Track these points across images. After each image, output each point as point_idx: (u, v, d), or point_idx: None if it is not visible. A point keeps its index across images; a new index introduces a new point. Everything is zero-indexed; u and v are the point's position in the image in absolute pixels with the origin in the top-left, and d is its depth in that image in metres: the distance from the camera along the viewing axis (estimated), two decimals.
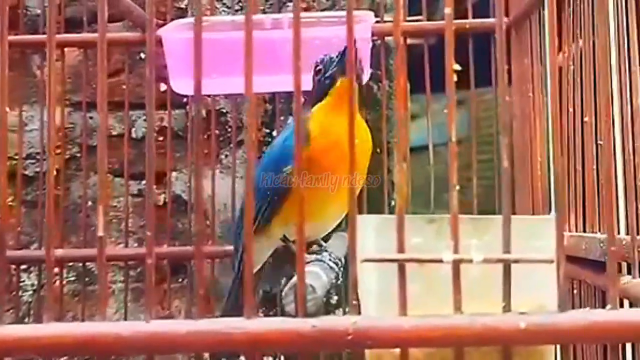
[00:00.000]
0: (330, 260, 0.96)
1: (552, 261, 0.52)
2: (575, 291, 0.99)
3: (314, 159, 0.98)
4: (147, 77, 0.57)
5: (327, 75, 1.05)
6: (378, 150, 1.45)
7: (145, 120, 1.51)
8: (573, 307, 0.98)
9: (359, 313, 0.53)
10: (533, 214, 1.23)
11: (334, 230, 1.15)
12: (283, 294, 0.63)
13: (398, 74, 0.54)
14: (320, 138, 1.01)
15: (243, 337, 0.51)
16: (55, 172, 1.53)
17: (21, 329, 0.53)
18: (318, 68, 1.07)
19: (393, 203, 1.55)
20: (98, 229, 0.55)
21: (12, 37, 1.49)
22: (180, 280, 1.57)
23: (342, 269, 0.96)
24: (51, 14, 0.57)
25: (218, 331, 0.51)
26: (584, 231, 0.98)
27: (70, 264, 1.56)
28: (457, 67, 0.54)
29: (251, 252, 0.54)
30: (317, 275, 0.67)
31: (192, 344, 0.52)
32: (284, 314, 0.59)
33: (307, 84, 1.22)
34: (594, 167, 0.94)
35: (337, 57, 1.06)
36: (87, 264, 1.52)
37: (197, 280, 0.54)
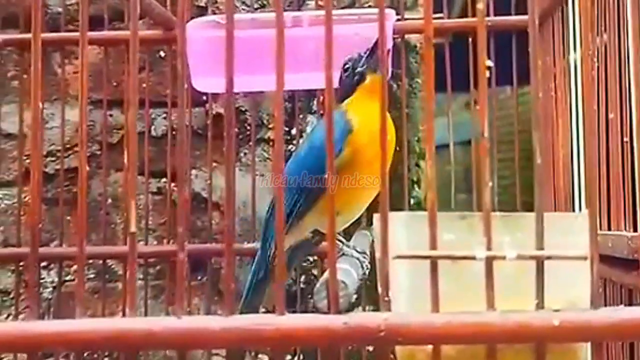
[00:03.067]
0: (357, 253, 0.96)
1: (585, 258, 0.52)
2: (600, 289, 0.98)
3: (358, 149, 0.99)
4: (179, 74, 0.57)
5: (356, 71, 1.06)
6: (397, 148, 1.45)
7: (165, 118, 1.51)
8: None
9: (390, 310, 0.53)
10: (555, 211, 1.22)
11: (353, 228, 1.15)
12: (315, 289, 0.63)
13: (427, 71, 0.54)
14: (362, 128, 1.01)
15: (275, 333, 0.51)
16: (70, 171, 1.53)
17: (55, 325, 0.53)
18: (346, 66, 1.07)
19: (413, 201, 1.55)
20: (130, 225, 0.55)
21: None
22: (199, 277, 1.57)
23: (369, 264, 0.96)
24: (84, 12, 0.57)
25: (250, 327, 0.51)
26: (609, 229, 0.98)
27: (90, 261, 1.56)
28: (490, 62, 0.54)
29: (282, 250, 0.54)
30: (347, 271, 0.67)
31: (224, 340, 0.52)
32: (315, 310, 0.59)
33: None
34: (620, 163, 0.93)
35: (365, 54, 1.06)
36: (107, 261, 1.52)
37: (226, 275, 0.54)
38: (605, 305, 0.97)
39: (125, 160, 0.57)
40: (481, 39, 0.54)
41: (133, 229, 0.55)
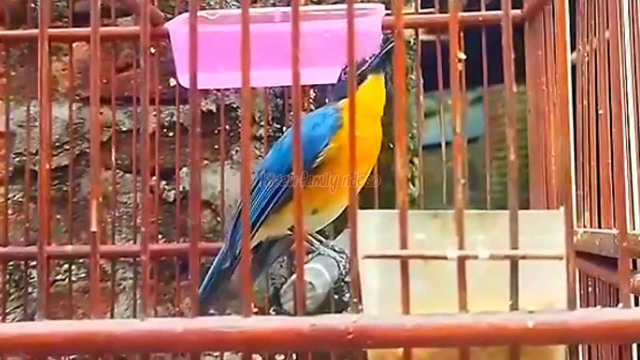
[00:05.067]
0: (334, 252, 0.94)
1: (561, 257, 0.50)
2: (590, 288, 0.96)
3: (344, 147, 0.98)
4: (142, 68, 0.55)
5: (358, 73, 1.06)
6: (391, 144, 1.43)
7: (154, 115, 1.50)
8: (587, 305, 0.96)
9: (360, 311, 0.51)
10: (547, 209, 1.20)
11: (336, 225, 1.13)
12: (281, 291, 0.61)
13: (397, 64, 0.53)
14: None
15: (240, 336, 0.50)
16: (59, 169, 1.52)
17: (10, 328, 0.51)
18: (348, 69, 1.06)
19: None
20: (91, 224, 0.54)
21: (20, 32, 1.49)
22: (190, 277, 1.55)
23: (347, 263, 0.94)
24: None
25: (214, 330, 0.50)
26: (599, 227, 0.96)
27: (80, 260, 1.54)
28: (462, 55, 0.52)
29: (248, 250, 0.52)
30: (318, 272, 0.65)
31: (187, 343, 0.50)
32: (282, 311, 0.57)
33: (318, 77, 1.20)
34: (609, 160, 0.91)
35: (370, 58, 1.08)
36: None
37: (191, 277, 0.52)
38: (595, 305, 0.95)
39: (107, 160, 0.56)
40: (453, 32, 0.52)
41: (94, 228, 0.53)
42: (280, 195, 0.99)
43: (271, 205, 0.99)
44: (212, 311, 1.09)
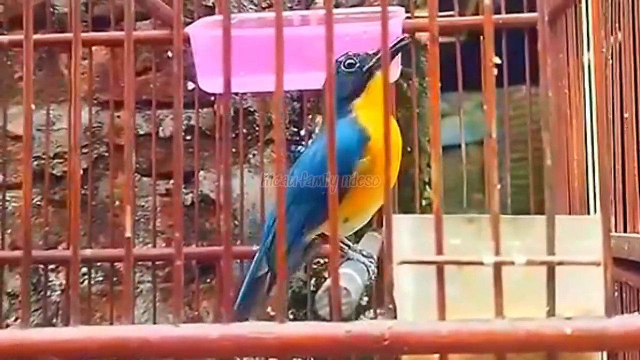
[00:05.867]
0: (363, 257, 0.93)
1: (598, 263, 0.49)
2: (616, 293, 0.95)
3: (376, 156, 0.96)
4: (174, 74, 0.55)
5: (364, 69, 1.03)
6: (409, 148, 1.43)
7: (173, 119, 1.49)
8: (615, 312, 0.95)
9: (395, 317, 0.51)
10: (570, 213, 1.20)
11: (363, 230, 1.13)
12: (317, 297, 0.61)
13: (431, 70, 0.52)
14: (378, 135, 0.98)
15: (275, 342, 0.49)
16: (81, 172, 1.52)
17: (47, 333, 0.51)
18: (349, 62, 1.04)
19: (425, 202, 1.53)
20: (126, 230, 0.54)
21: (39, 36, 1.49)
22: (208, 280, 1.55)
23: (376, 268, 0.94)
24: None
25: (250, 336, 0.49)
26: (625, 231, 0.95)
27: (99, 264, 1.55)
28: (497, 60, 0.52)
29: (284, 257, 0.52)
30: (351, 277, 0.65)
31: (222, 349, 0.50)
32: (317, 317, 0.57)
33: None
34: (635, 164, 0.91)
35: (374, 53, 1.04)
36: (115, 264, 1.51)
37: (225, 282, 0.52)
38: (622, 310, 0.95)
39: (125, 164, 0.55)
40: (488, 36, 0.52)
41: (129, 234, 0.53)
42: (317, 216, 0.97)
43: (306, 227, 0.98)
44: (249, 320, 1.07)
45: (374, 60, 1.03)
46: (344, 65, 1.04)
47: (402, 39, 1.06)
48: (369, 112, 1.01)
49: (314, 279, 1.51)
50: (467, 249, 0.52)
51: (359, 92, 1.03)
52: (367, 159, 0.98)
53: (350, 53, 1.05)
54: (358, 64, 1.03)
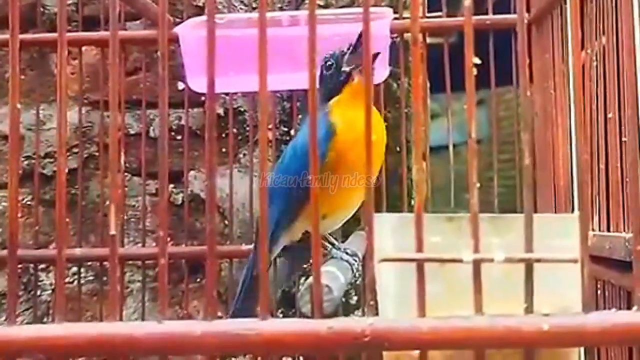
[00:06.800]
0: (347, 255, 0.94)
1: (576, 261, 0.50)
2: (599, 292, 0.97)
3: (341, 152, 0.97)
4: (160, 76, 0.56)
5: (341, 70, 1.04)
6: (397, 148, 1.44)
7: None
8: (597, 308, 0.96)
9: (377, 314, 0.51)
10: (555, 212, 1.21)
11: (351, 228, 1.14)
12: (299, 294, 0.61)
13: (415, 71, 0.53)
14: (345, 131, 0.99)
15: (257, 338, 0.50)
16: (68, 173, 1.52)
17: (33, 329, 0.52)
18: (328, 63, 1.05)
19: (413, 201, 1.53)
20: (110, 228, 0.54)
21: (30, 36, 1.49)
22: (198, 280, 1.56)
23: (360, 266, 0.95)
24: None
25: (232, 333, 0.50)
26: (608, 230, 0.96)
27: (89, 263, 1.55)
28: (477, 60, 0.53)
29: (265, 251, 0.52)
30: (334, 275, 0.66)
31: (205, 346, 0.51)
32: (300, 314, 0.58)
33: None
34: (618, 164, 0.92)
35: (348, 50, 1.04)
36: (105, 263, 1.51)
37: (208, 280, 0.53)
38: (604, 308, 0.96)
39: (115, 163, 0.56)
40: (468, 36, 0.52)
41: (113, 231, 0.54)
42: (291, 206, 0.99)
43: (286, 216, 0.99)
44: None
45: (349, 59, 1.03)
46: (325, 68, 1.06)
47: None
48: (343, 110, 1.02)
49: (303, 278, 1.52)
50: (447, 246, 0.53)
51: (336, 92, 1.04)
52: (333, 154, 0.98)
53: (329, 53, 1.05)
54: (334, 64, 1.04)
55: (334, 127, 1.00)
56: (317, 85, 1.05)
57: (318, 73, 1.04)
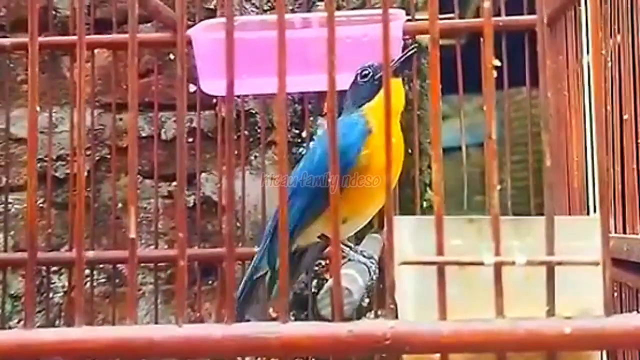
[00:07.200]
0: (364, 258, 0.94)
1: (597, 263, 0.50)
2: (616, 294, 0.96)
3: (375, 152, 0.98)
4: (178, 77, 0.56)
5: (375, 78, 1.06)
6: (410, 150, 1.43)
7: (175, 121, 1.50)
8: (614, 311, 0.96)
9: (396, 317, 0.51)
10: (569, 214, 1.20)
11: (364, 230, 1.13)
12: (318, 297, 0.61)
13: (433, 73, 0.53)
14: (380, 132, 1.00)
15: (277, 342, 0.50)
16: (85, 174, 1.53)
17: (53, 333, 0.52)
18: (364, 72, 1.07)
19: (425, 204, 1.53)
20: (130, 231, 0.54)
21: (42, 39, 1.49)
22: (210, 282, 1.56)
23: (377, 269, 0.95)
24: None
25: (252, 336, 0.50)
26: (624, 232, 0.96)
27: (101, 266, 1.55)
28: (497, 62, 0.52)
29: (285, 257, 0.52)
30: (353, 278, 0.66)
31: (225, 349, 0.50)
32: (319, 317, 0.58)
33: (339, 83, 1.20)
34: (634, 166, 0.91)
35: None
36: (118, 265, 1.52)
37: (228, 283, 0.53)
38: (621, 310, 0.95)
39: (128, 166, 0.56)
40: (487, 38, 0.52)
41: (133, 234, 0.54)
42: (316, 207, 0.99)
43: (305, 218, 0.99)
44: (245, 320, 1.09)
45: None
46: (360, 76, 1.08)
47: (412, 48, 1.09)
48: (377, 113, 1.03)
49: (315, 281, 1.52)
50: (467, 249, 0.53)
51: (370, 97, 1.06)
52: (367, 153, 0.99)
53: (366, 64, 1.08)
54: (371, 74, 1.06)
55: (370, 127, 1.01)
56: (350, 91, 1.07)
57: (351, 79, 1.07)
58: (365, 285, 0.74)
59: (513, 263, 0.50)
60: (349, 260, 0.93)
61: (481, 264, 0.50)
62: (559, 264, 0.51)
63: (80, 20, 0.57)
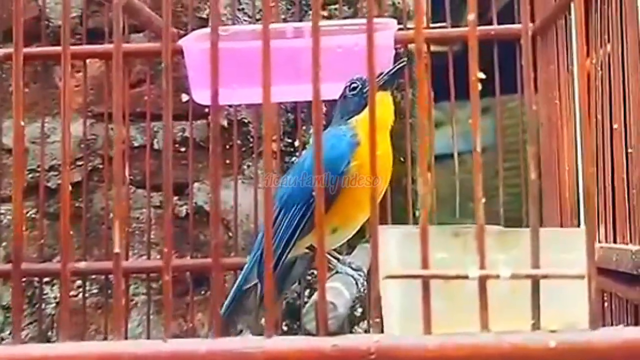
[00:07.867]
0: (352, 270, 0.94)
1: (583, 277, 0.50)
2: (605, 304, 0.96)
3: (364, 164, 0.98)
4: (164, 89, 0.56)
5: (364, 91, 1.05)
6: (401, 158, 1.43)
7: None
8: (603, 322, 0.96)
9: (382, 331, 0.51)
10: (561, 224, 1.20)
11: (355, 241, 1.13)
12: (304, 311, 0.61)
13: (420, 83, 0.53)
14: (368, 144, 1.00)
15: (263, 356, 0.50)
16: (72, 185, 1.52)
17: (38, 349, 0.52)
18: (353, 85, 1.07)
19: (418, 213, 1.53)
20: (115, 245, 0.54)
21: (34, 49, 1.49)
22: (203, 292, 1.55)
23: (365, 281, 0.94)
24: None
25: (237, 351, 0.50)
26: (614, 242, 0.95)
27: (93, 276, 1.55)
28: (482, 75, 0.52)
29: (271, 273, 0.52)
30: (338, 291, 0.65)
31: None
32: (305, 331, 0.57)
33: (330, 92, 1.20)
34: (624, 175, 0.91)
35: (378, 75, 1.06)
36: (110, 276, 1.51)
37: (214, 296, 0.52)
38: (611, 320, 0.95)
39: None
40: (472, 51, 0.52)
41: (117, 249, 0.54)
42: (306, 223, 0.98)
43: (296, 234, 0.99)
44: (234, 330, 1.08)
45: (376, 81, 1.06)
46: (349, 89, 1.09)
47: (402, 61, 1.09)
48: (366, 126, 1.03)
49: (307, 290, 1.51)
50: (453, 262, 0.53)
51: (359, 111, 1.06)
52: (356, 164, 0.99)
53: (355, 77, 1.08)
54: (360, 87, 1.06)
55: (359, 139, 1.01)
56: (339, 103, 1.08)
57: (340, 92, 1.07)
58: (352, 298, 0.74)
59: (498, 276, 0.50)
60: (337, 272, 0.93)
61: (466, 277, 0.50)
62: (545, 277, 0.50)
63: (65, 32, 0.57)
